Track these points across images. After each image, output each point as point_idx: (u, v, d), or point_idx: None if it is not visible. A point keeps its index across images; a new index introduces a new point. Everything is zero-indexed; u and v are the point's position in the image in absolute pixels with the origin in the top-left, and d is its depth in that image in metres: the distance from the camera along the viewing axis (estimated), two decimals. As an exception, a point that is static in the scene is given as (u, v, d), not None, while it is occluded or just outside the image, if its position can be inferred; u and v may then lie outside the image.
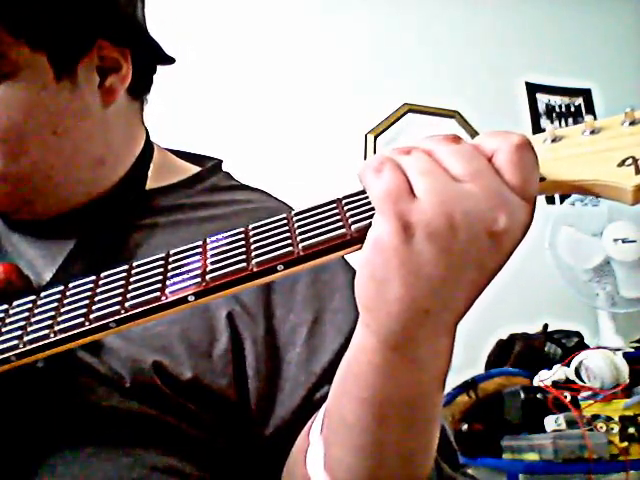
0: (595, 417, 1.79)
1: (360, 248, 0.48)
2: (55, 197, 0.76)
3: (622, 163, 0.47)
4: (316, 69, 2.62)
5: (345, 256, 0.79)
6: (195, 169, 0.84)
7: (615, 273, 2.27)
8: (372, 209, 0.48)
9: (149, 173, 0.80)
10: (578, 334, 2.27)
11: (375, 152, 2.59)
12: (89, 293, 0.55)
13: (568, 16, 2.98)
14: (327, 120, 2.56)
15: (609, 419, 1.78)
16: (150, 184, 0.80)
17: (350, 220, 0.49)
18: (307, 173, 2.41)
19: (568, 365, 1.96)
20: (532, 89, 2.90)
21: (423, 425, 0.53)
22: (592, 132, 0.49)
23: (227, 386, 0.68)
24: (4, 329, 0.56)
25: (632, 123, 0.48)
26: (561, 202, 2.49)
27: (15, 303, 0.58)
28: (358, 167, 0.49)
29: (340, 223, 0.49)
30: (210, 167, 0.85)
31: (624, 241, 2.22)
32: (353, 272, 0.77)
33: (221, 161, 0.87)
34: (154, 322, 0.68)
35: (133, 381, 0.66)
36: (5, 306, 0.59)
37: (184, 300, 0.51)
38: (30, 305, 0.57)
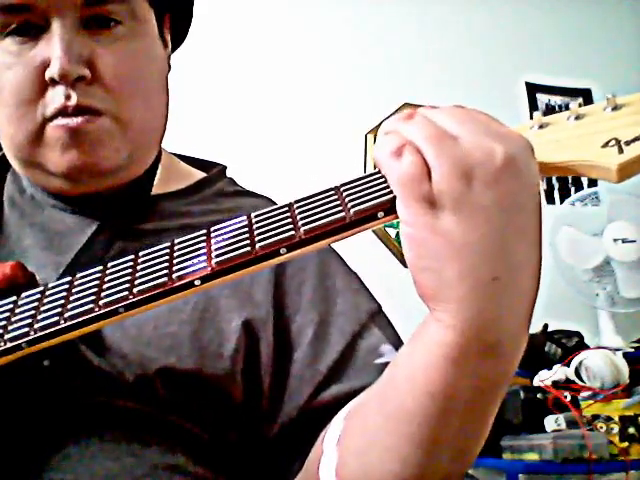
0: (595, 417, 1.79)
1: (358, 231, 0.50)
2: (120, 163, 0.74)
3: (606, 144, 0.49)
4: (316, 69, 2.62)
5: (346, 260, 0.80)
6: (200, 174, 0.85)
7: (615, 273, 2.27)
8: (370, 194, 0.51)
9: (157, 175, 0.80)
10: (578, 334, 2.27)
11: (375, 152, 2.59)
12: (97, 282, 0.56)
13: (568, 16, 2.98)
14: (327, 120, 2.56)
15: (609, 419, 1.78)
16: (158, 189, 0.80)
17: (349, 205, 0.51)
18: (307, 173, 2.41)
19: (568, 365, 1.96)
20: (532, 89, 2.90)
21: (483, 421, 0.52)
22: (577, 118, 0.52)
23: (234, 386, 0.69)
24: (14, 318, 0.57)
25: (614, 108, 0.52)
26: (561, 202, 2.49)
27: (24, 294, 0.59)
28: (375, 149, 0.50)
29: (340, 208, 0.51)
30: (215, 173, 0.86)
31: (624, 241, 2.22)
32: (354, 275, 0.79)
33: (225, 167, 0.88)
34: (166, 322, 0.68)
35: (138, 381, 0.66)
36: (14, 298, 0.60)
37: (191, 284, 0.52)
38: (39, 295, 0.58)
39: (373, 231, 2.53)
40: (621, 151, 0.48)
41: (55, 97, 0.69)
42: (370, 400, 0.57)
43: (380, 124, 2.41)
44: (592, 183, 2.67)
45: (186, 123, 2.42)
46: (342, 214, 0.51)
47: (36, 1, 0.68)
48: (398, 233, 2.58)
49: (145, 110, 0.75)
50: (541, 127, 0.53)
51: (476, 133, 0.47)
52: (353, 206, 0.51)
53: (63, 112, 0.69)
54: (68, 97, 0.69)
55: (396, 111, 2.65)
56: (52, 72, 0.68)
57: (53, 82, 0.69)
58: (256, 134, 2.47)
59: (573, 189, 2.73)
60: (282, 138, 2.50)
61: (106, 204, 0.76)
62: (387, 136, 0.50)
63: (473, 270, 0.45)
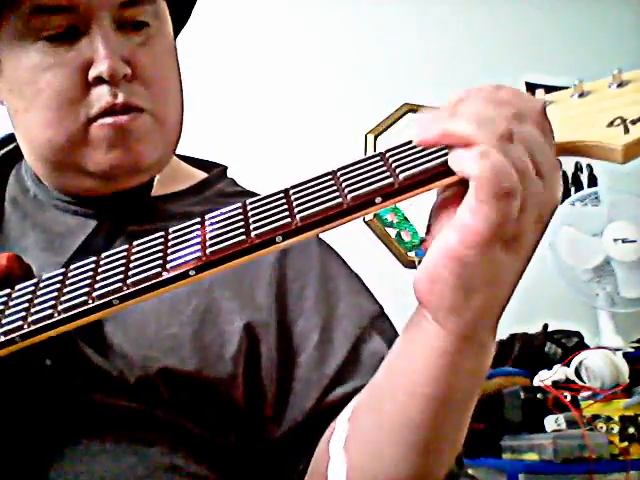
0: (595, 417, 1.78)
1: (355, 217, 0.49)
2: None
3: (611, 124, 0.48)
4: (316, 69, 2.62)
5: (347, 260, 0.80)
6: (202, 175, 0.85)
7: (615, 273, 2.27)
8: (367, 178, 0.49)
9: (157, 176, 0.80)
10: (578, 334, 2.27)
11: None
12: (91, 273, 0.55)
13: (568, 16, 2.98)
14: (327, 120, 2.55)
15: (609, 419, 1.78)
16: (159, 189, 0.80)
17: (346, 190, 0.50)
18: (307, 173, 2.40)
19: (568, 365, 1.96)
20: (532, 89, 2.89)
21: (469, 411, 0.54)
22: (580, 95, 0.51)
23: (235, 387, 0.69)
24: (7, 312, 0.56)
25: (619, 85, 0.50)
26: (561, 202, 2.49)
27: (17, 287, 0.59)
28: (464, 108, 0.47)
29: (336, 193, 0.50)
30: (216, 173, 0.86)
31: (624, 241, 2.22)
32: (356, 277, 0.79)
33: (226, 167, 0.88)
34: (167, 324, 0.68)
35: (139, 381, 0.66)
36: (7, 290, 0.59)
37: (185, 275, 0.51)
38: (33, 288, 0.58)
39: (373, 231, 2.53)
40: (627, 131, 0.47)
41: (101, 96, 0.70)
42: (365, 413, 0.57)
43: (380, 124, 2.39)
44: (592, 183, 2.67)
45: (186, 123, 2.42)
46: (339, 200, 0.49)
47: (80, 2, 0.69)
48: (398, 233, 2.57)
49: (174, 108, 0.77)
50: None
51: (553, 178, 0.47)
52: (350, 191, 0.49)
53: (110, 110, 0.70)
54: (115, 95, 0.70)
55: (396, 111, 2.65)
56: (100, 71, 0.69)
57: (98, 81, 0.70)
58: (256, 134, 2.46)
59: (573, 189, 2.72)
60: (282, 138, 2.49)
61: (108, 205, 0.76)
62: (493, 109, 0.47)
63: (495, 300, 0.48)
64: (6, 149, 0.85)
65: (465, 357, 0.49)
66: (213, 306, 0.71)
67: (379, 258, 2.48)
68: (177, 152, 0.88)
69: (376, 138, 2.62)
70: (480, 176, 0.43)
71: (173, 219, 0.78)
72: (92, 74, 0.69)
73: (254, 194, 0.86)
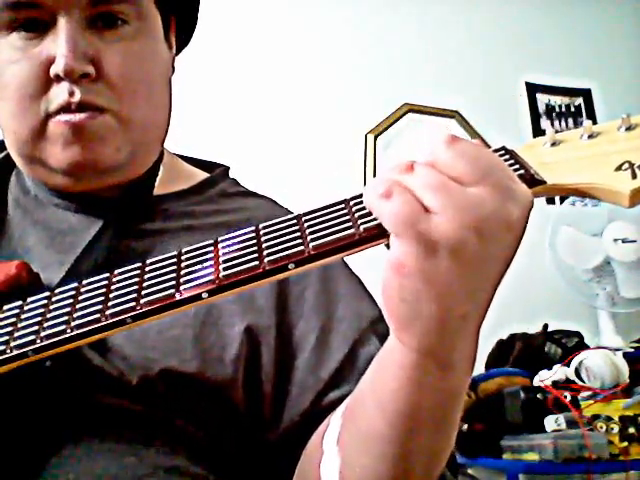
0: (595, 417, 1.78)
1: (367, 247, 0.49)
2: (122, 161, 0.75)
3: (619, 168, 0.48)
4: (316, 69, 2.62)
5: (348, 263, 0.80)
6: (203, 175, 0.85)
7: (615, 273, 2.27)
8: None
9: (159, 175, 0.80)
10: (578, 334, 2.27)
11: (375, 152, 2.59)
12: (104, 290, 0.56)
13: (568, 16, 2.98)
14: (327, 120, 2.56)
15: (609, 419, 1.78)
16: (160, 189, 0.80)
17: (359, 221, 0.50)
18: (307, 173, 2.41)
19: (568, 365, 1.96)
20: (532, 89, 2.90)
21: (449, 426, 0.54)
22: (590, 136, 0.51)
23: (235, 390, 0.69)
24: (20, 324, 0.56)
25: (628, 128, 0.50)
26: (561, 202, 2.49)
27: (29, 299, 0.59)
28: (364, 194, 0.49)
29: (349, 223, 0.50)
30: (218, 173, 0.86)
31: (624, 241, 2.22)
32: (356, 280, 0.79)
33: (228, 167, 0.88)
34: (169, 326, 0.69)
35: (140, 382, 0.66)
36: (19, 302, 0.59)
37: (198, 297, 0.52)
38: (45, 301, 0.58)
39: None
40: (634, 176, 0.47)
41: (59, 93, 0.70)
42: (349, 417, 0.58)
43: (380, 124, 2.40)
44: (592, 183, 2.66)
45: (187, 124, 2.42)
46: (352, 230, 0.50)
47: None
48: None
49: (147, 110, 0.75)
50: (554, 144, 0.52)
51: (497, 187, 0.46)
52: (363, 223, 0.50)
53: (66, 108, 0.70)
54: (72, 93, 0.69)
55: (396, 111, 2.65)
56: (57, 68, 0.69)
57: (58, 78, 0.70)
58: (257, 134, 2.46)
59: (573, 189, 2.72)
60: (282, 138, 2.50)
61: (108, 204, 0.76)
62: (375, 179, 0.49)
63: (446, 310, 0.46)
64: (6, 152, 0.85)
65: (425, 374, 0.49)
66: (215, 308, 0.71)
67: (380, 261, 2.48)
68: (178, 152, 0.88)
69: (376, 138, 2.62)
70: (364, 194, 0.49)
71: (175, 218, 0.78)
72: (52, 71, 0.70)
73: (256, 194, 0.86)
